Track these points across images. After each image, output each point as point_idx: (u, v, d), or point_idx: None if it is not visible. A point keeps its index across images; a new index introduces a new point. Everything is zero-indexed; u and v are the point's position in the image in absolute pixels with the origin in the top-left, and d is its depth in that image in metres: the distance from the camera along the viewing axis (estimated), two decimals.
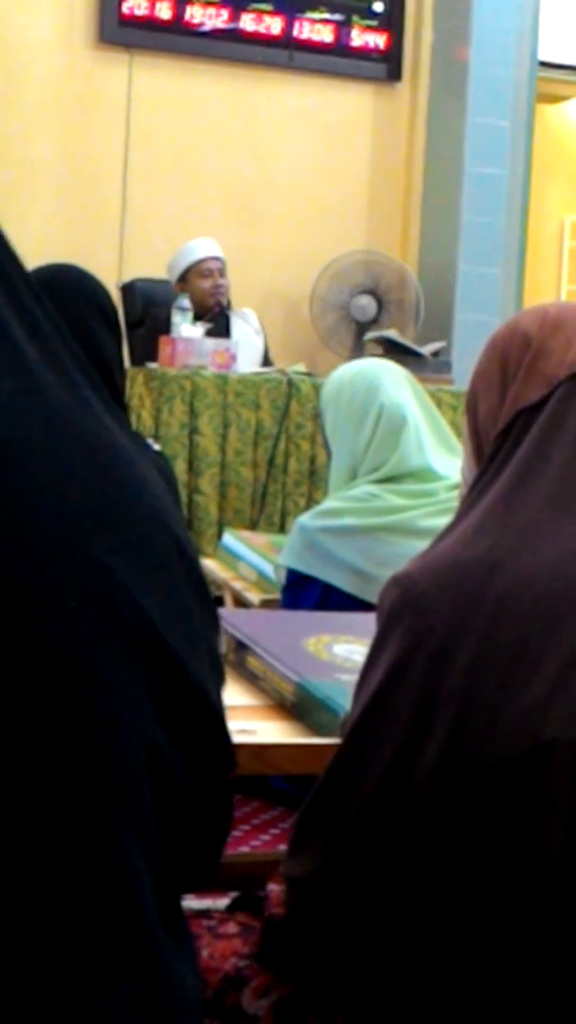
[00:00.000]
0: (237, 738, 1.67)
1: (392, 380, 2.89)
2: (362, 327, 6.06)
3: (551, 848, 1.17)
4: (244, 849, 2.60)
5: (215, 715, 1.06)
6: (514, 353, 1.35)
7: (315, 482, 4.86)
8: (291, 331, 6.22)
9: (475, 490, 1.35)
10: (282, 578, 2.90)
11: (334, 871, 1.26)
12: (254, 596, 3.11)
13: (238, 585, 3.21)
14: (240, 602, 3.13)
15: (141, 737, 0.96)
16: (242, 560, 3.26)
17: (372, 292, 6.22)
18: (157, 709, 0.98)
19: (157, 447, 2.67)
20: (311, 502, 4.83)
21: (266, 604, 3.04)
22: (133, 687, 0.96)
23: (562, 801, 1.17)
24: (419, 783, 1.22)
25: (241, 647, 1.91)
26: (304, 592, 2.81)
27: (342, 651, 1.87)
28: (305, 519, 2.88)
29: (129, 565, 0.98)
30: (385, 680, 1.27)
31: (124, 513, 1.00)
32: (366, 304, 6.18)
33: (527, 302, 6.87)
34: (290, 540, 2.88)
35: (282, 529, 4.77)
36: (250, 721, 1.76)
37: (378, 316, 6.17)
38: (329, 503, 2.88)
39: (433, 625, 1.24)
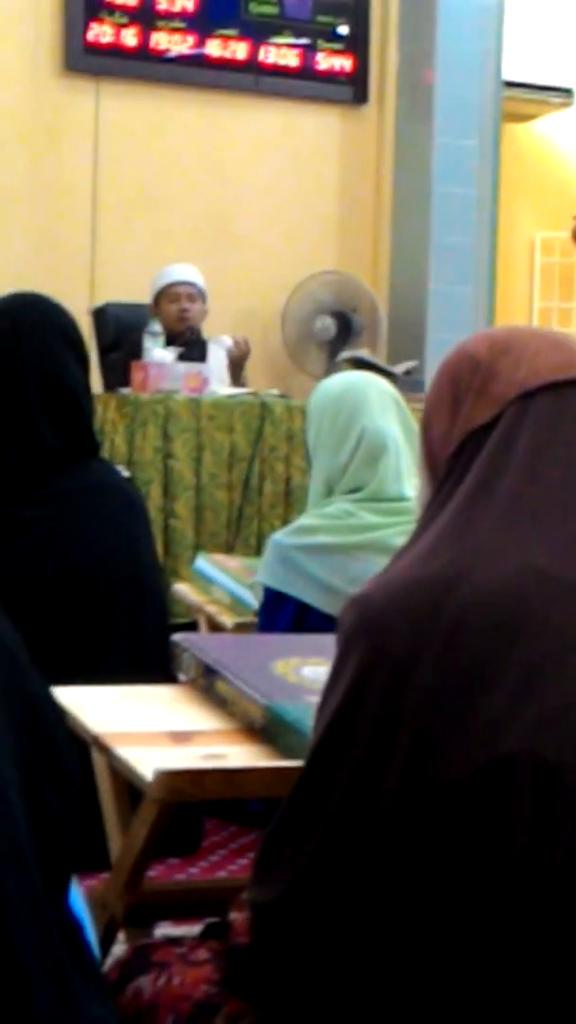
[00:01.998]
0: (207, 763, 1.69)
1: (379, 402, 2.89)
2: (334, 347, 6.08)
3: (513, 861, 1.18)
4: (221, 874, 2.60)
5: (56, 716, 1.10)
6: (464, 376, 1.37)
7: (291, 503, 4.86)
8: (264, 353, 6.24)
9: (430, 511, 1.37)
10: (259, 596, 2.90)
11: (298, 896, 1.27)
12: (228, 620, 3.12)
13: (212, 609, 3.22)
14: (214, 626, 3.14)
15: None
16: (215, 584, 3.27)
17: (342, 313, 6.24)
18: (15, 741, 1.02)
19: (126, 473, 2.68)
20: (287, 524, 4.83)
21: (240, 628, 3.05)
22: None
23: (523, 813, 1.18)
24: (382, 803, 1.23)
25: (209, 672, 1.92)
26: (280, 609, 2.81)
27: (310, 673, 1.88)
28: (280, 536, 2.88)
29: None
30: (345, 702, 1.28)
31: None
32: (337, 325, 6.20)
33: (499, 320, 6.91)
34: (265, 557, 2.89)
35: (258, 551, 4.77)
36: (220, 746, 1.77)
37: (349, 336, 6.19)
38: (304, 520, 2.89)
39: (390, 644, 1.25)
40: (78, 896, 1.08)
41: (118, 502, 2.55)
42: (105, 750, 1.75)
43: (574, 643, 1.23)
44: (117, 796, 1.88)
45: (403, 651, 1.25)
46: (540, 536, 1.28)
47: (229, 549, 4.70)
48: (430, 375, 1.35)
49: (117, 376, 5.14)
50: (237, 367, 5.47)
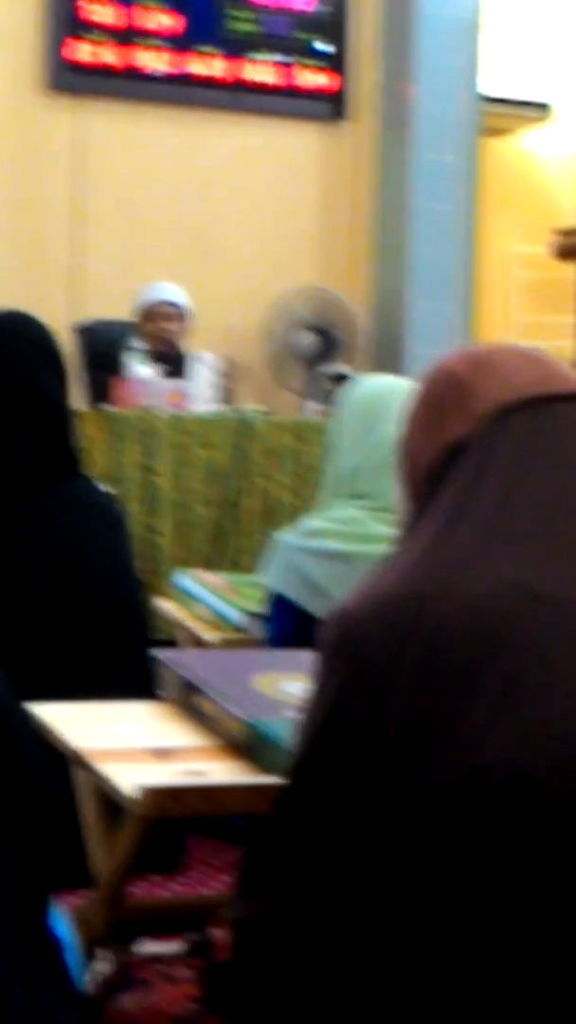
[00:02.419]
0: (188, 780, 1.69)
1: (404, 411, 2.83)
2: (315, 363, 6.10)
3: (494, 873, 1.19)
4: (203, 891, 2.60)
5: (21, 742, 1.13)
6: (443, 392, 1.38)
7: (271, 519, 4.86)
8: (245, 369, 6.25)
9: (409, 526, 1.37)
10: (264, 596, 2.87)
11: (278, 912, 1.27)
12: (210, 636, 3.11)
13: (194, 625, 3.21)
14: (197, 642, 3.13)
15: None
16: (197, 600, 3.26)
17: (322, 328, 6.26)
18: None
19: (107, 490, 2.68)
20: (268, 539, 4.83)
21: (223, 645, 3.04)
22: None
23: (502, 825, 1.19)
24: (363, 817, 1.24)
25: (191, 688, 1.92)
26: (283, 612, 2.78)
27: (292, 688, 1.88)
28: (287, 537, 2.83)
29: None
30: (326, 717, 1.28)
31: None
32: (316, 340, 6.22)
33: (478, 334, 6.93)
34: (270, 558, 2.84)
35: (239, 567, 4.78)
36: (201, 762, 1.77)
37: (329, 352, 6.21)
38: (312, 521, 2.83)
39: (371, 659, 1.26)
40: (59, 915, 1.08)
41: (100, 520, 2.55)
42: (86, 766, 1.75)
43: (553, 656, 1.23)
44: (98, 813, 1.88)
45: (383, 665, 1.25)
46: (519, 551, 1.29)
47: (211, 565, 4.70)
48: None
49: (99, 393, 5.14)
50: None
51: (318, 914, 1.25)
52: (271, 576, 2.81)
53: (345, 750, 1.25)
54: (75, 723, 1.83)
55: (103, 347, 5.46)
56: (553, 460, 1.33)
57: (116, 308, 5.66)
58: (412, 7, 6.45)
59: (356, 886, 1.23)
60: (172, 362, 5.37)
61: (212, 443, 4.79)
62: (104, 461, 4.64)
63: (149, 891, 2.54)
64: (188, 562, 4.64)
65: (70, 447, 2.58)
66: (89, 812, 1.91)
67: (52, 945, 1.04)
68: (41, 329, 2.58)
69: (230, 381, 5.64)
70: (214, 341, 5.92)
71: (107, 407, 4.84)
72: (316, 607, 2.67)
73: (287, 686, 1.90)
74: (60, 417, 2.56)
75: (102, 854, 1.85)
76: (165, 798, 1.64)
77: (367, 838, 1.23)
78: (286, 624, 2.77)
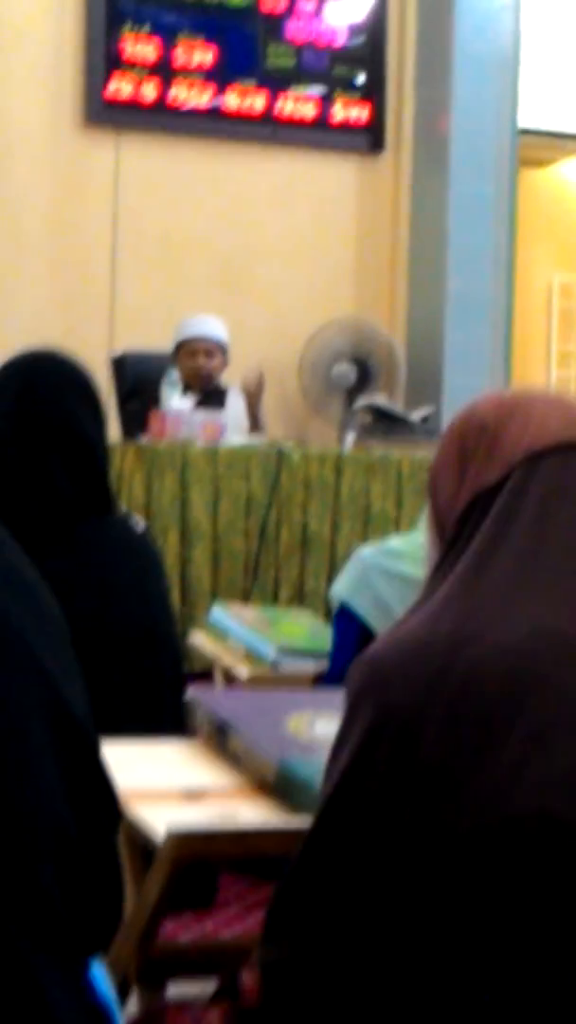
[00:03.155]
0: (216, 824, 1.69)
1: None
2: (351, 394, 6.11)
3: (524, 920, 1.19)
4: (236, 928, 2.59)
5: (106, 778, 1.18)
6: (471, 438, 1.39)
7: (307, 551, 4.87)
8: (281, 401, 6.27)
9: (439, 572, 1.38)
10: (335, 606, 2.91)
11: (306, 956, 1.27)
12: (243, 669, 3.11)
13: (227, 659, 3.22)
14: (230, 676, 3.14)
15: (50, 821, 1.01)
16: (231, 634, 3.27)
17: (359, 359, 6.27)
18: (67, 788, 1.07)
19: (141, 525, 2.69)
20: (304, 571, 4.84)
21: (255, 680, 3.05)
22: (50, 775, 1.03)
23: (533, 872, 1.19)
24: (390, 863, 1.23)
25: (223, 727, 1.92)
26: (350, 622, 2.81)
27: (325, 728, 1.88)
28: (366, 551, 2.88)
29: (56, 665, 1.11)
30: (353, 762, 1.28)
31: (48, 625, 1.14)
32: (353, 371, 6.23)
33: (516, 364, 6.93)
34: (346, 569, 2.89)
35: (276, 598, 4.78)
36: (232, 802, 1.77)
37: (366, 383, 6.21)
38: (394, 542, 2.88)
39: (398, 703, 1.26)
40: (103, 976, 1.09)
41: (135, 558, 2.56)
42: None
43: None
44: (130, 852, 1.88)
45: (411, 711, 1.25)
46: (547, 597, 1.29)
47: (246, 597, 4.70)
48: (447, 420, 1.36)
49: (136, 424, 5.17)
50: (253, 404, 5.46)
51: (345, 958, 1.25)
52: (342, 584, 2.87)
53: (372, 794, 1.25)
54: (107, 762, 1.83)
55: (140, 379, 5.48)
56: None
57: (153, 340, 5.68)
58: (449, 39, 6.48)
59: (384, 930, 1.23)
60: (209, 395, 5.38)
61: (248, 475, 4.80)
62: (140, 493, 4.66)
63: (181, 928, 2.54)
64: (224, 594, 4.65)
65: (106, 485, 2.59)
66: (121, 851, 1.91)
67: (99, 1012, 1.06)
68: (76, 368, 2.59)
69: (267, 413, 5.64)
70: (250, 371, 5.92)
71: (143, 439, 4.87)
72: (379, 624, 2.72)
73: (320, 726, 1.90)
74: (97, 455, 2.57)
75: (133, 895, 1.85)
76: (195, 842, 1.64)
77: (394, 882, 1.23)
78: (347, 635, 2.82)
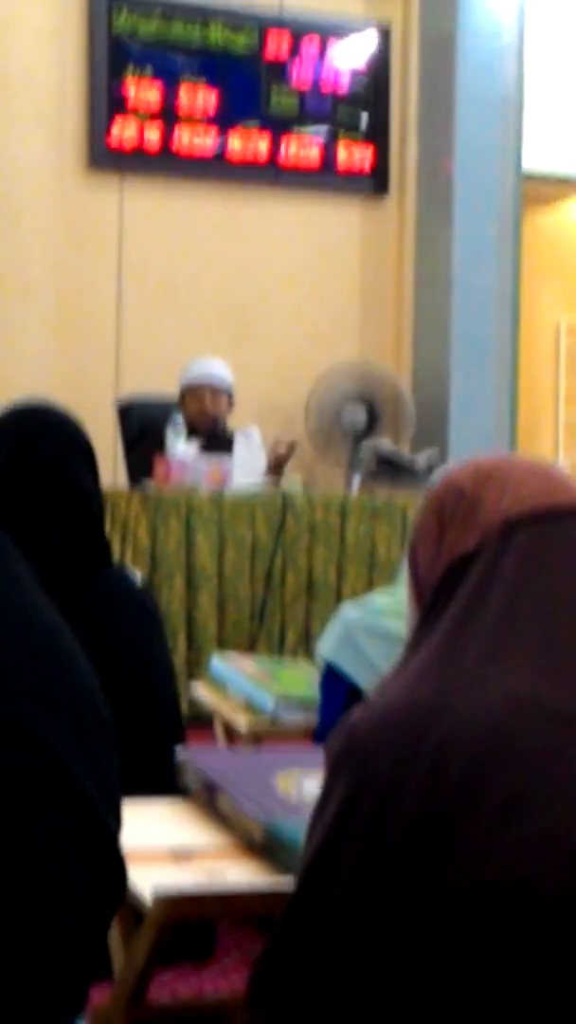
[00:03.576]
0: (203, 886, 1.69)
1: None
2: (357, 437, 6.12)
3: (500, 984, 1.19)
4: (234, 978, 2.57)
5: (117, 849, 1.18)
6: (449, 505, 1.39)
7: (313, 596, 4.88)
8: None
9: (416, 638, 1.38)
10: (321, 665, 2.92)
11: (287, 1017, 1.27)
12: (242, 721, 3.11)
13: (226, 710, 3.21)
14: (229, 728, 3.13)
15: (67, 900, 1.01)
16: (231, 685, 3.27)
17: (365, 402, 6.29)
18: (79, 856, 1.08)
19: (137, 577, 2.70)
20: (310, 616, 4.85)
21: (254, 732, 3.04)
22: (64, 852, 1.01)
23: (508, 938, 1.19)
24: (368, 929, 1.24)
25: (211, 786, 1.93)
26: (337, 683, 2.82)
27: (312, 788, 1.88)
28: (350, 611, 2.88)
29: (61, 732, 1.09)
30: (331, 830, 1.29)
31: (57, 685, 1.07)
32: (360, 415, 6.25)
33: (522, 405, 6.94)
34: (330, 628, 2.90)
35: (282, 644, 4.78)
36: (220, 863, 1.77)
37: (372, 426, 6.23)
38: (377, 598, 2.89)
39: (376, 772, 1.27)
40: None
41: (132, 613, 2.56)
42: None
43: (555, 770, 1.24)
44: (119, 913, 1.88)
45: (388, 779, 1.26)
46: (523, 664, 1.30)
47: (252, 642, 4.71)
48: (453, 460, 1.38)
49: (142, 470, 5.18)
50: (278, 466, 5.45)
51: (327, 1020, 1.25)
52: (327, 644, 2.88)
53: (348, 864, 1.26)
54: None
55: (146, 424, 5.50)
56: (557, 573, 1.33)
57: (159, 385, 5.71)
58: (452, 82, 6.52)
59: (363, 992, 1.24)
60: (215, 439, 5.39)
61: (252, 519, 4.81)
62: (145, 539, 4.67)
63: (177, 981, 2.53)
64: (230, 639, 4.66)
65: (102, 538, 2.60)
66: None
67: None
68: (72, 424, 2.61)
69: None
70: (257, 417, 5.95)
71: (148, 485, 4.88)
72: (366, 683, 2.73)
73: (308, 785, 1.91)
74: (92, 508, 2.58)
75: (122, 954, 1.85)
76: (182, 904, 1.64)
77: (372, 950, 1.24)
78: (335, 694, 2.83)
